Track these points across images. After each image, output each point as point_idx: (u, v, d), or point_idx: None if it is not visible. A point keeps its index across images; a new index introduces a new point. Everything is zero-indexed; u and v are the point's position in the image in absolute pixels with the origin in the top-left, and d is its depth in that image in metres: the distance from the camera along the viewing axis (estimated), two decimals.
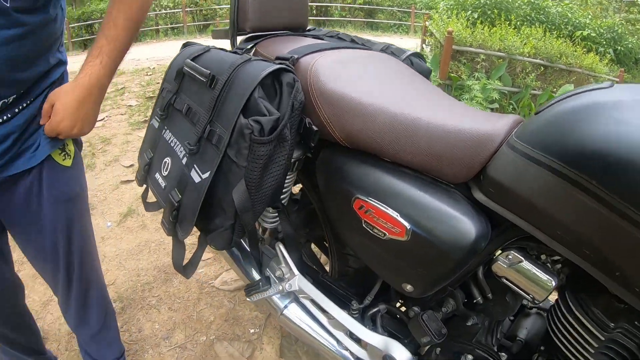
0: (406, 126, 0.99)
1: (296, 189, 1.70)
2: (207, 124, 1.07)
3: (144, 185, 1.42)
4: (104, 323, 1.56)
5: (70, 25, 15.96)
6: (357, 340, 1.29)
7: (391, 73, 1.25)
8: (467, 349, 1.07)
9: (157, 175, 1.25)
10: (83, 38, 16.32)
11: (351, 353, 1.32)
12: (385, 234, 1.02)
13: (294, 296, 1.41)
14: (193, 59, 1.19)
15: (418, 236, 0.96)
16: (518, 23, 9.61)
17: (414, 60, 1.43)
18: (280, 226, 1.35)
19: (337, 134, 1.09)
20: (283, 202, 1.33)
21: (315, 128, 1.10)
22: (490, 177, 0.89)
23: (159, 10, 17.28)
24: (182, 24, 16.66)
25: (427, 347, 1.20)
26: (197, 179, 1.07)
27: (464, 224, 0.91)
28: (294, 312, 1.39)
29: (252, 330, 2.07)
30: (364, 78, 1.17)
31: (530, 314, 1.18)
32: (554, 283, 0.87)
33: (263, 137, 0.97)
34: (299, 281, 1.30)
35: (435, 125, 0.97)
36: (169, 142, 1.20)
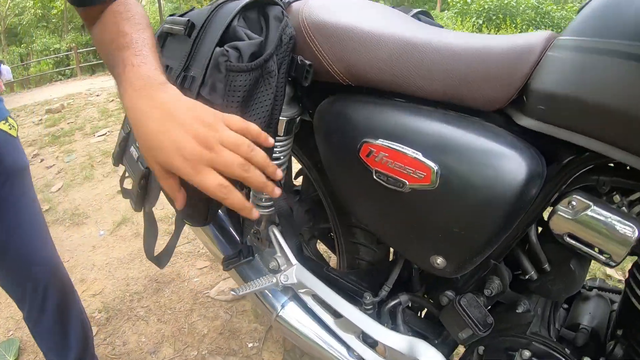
0: (422, 49, 0.78)
1: (297, 182, 1.53)
2: (182, 71, 0.88)
3: (120, 165, 1.22)
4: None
5: (79, 51, 16.16)
6: (373, 345, 1.02)
7: (395, 13, 1.05)
8: (522, 343, 0.80)
9: (132, 149, 1.09)
10: (90, 63, 16.55)
11: None
12: (404, 184, 0.77)
13: (292, 293, 1.15)
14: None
15: (448, 181, 0.73)
16: (524, 27, 9.62)
17: (422, 18, 1.20)
18: (275, 205, 1.10)
19: (336, 67, 0.88)
20: (281, 164, 1.10)
21: (308, 62, 0.89)
22: (538, 90, 0.68)
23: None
24: None
25: (467, 345, 0.93)
26: None
27: (510, 158, 0.69)
28: (292, 313, 1.12)
29: (250, 345, 1.80)
30: (365, 11, 0.97)
31: (589, 297, 0.93)
32: (636, 232, 0.63)
33: (241, 64, 0.79)
34: (297, 272, 1.04)
35: (458, 45, 0.76)
36: None
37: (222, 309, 2.01)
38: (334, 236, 1.31)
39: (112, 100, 7.21)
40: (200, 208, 0.88)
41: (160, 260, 1.10)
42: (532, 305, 0.86)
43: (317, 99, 0.97)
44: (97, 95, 8.28)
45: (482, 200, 0.71)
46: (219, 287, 2.13)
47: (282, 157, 1.10)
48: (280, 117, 0.98)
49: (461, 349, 0.99)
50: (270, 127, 0.88)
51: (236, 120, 0.68)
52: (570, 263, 0.78)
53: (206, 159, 0.62)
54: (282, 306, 1.13)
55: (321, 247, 1.77)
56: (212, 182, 0.62)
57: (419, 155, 0.75)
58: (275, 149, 1.05)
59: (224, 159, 0.63)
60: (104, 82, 10.22)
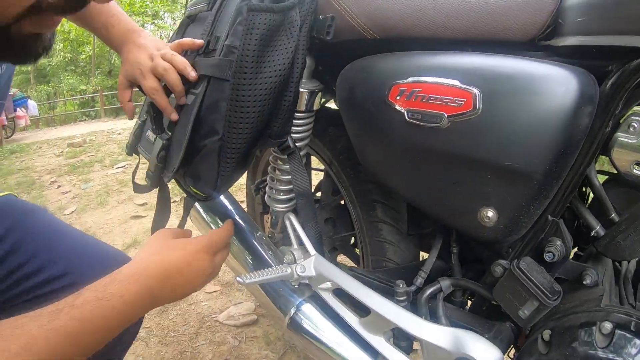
0: None
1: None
2: (207, 36, 0.90)
3: (134, 155, 1.20)
4: None
5: (104, 94, 16.63)
6: (407, 349, 0.85)
7: None
8: (599, 316, 0.62)
9: (148, 133, 1.06)
10: (115, 106, 17.04)
11: None
12: (442, 117, 0.69)
13: (309, 293, 0.99)
14: None
15: (492, 104, 0.65)
16: None
17: None
18: (292, 178, 0.97)
19: (359, 20, 0.82)
20: (299, 146, 0.99)
21: (330, 15, 0.85)
22: (575, 2, 0.63)
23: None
24: None
25: (528, 331, 0.76)
26: (190, 100, 0.87)
27: (558, 76, 0.61)
28: (308, 316, 0.96)
29: None
30: None
31: None
32: None
33: (262, 4, 0.79)
34: (316, 263, 0.89)
35: None
36: None
37: (231, 334, 1.83)
38: (358, 237, 1.17)
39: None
40: (210, 170, 0.86)
41: None
42: (600, 278, 0.71)
43: (339, 70, 0.90)
44: (119, 134, 8.37)
45: (532, 124, 0.63)
46: (229, 312, 1.95)
47: (302, 134, 0.99)
48: (302, 89, 0.94)
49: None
50: (290, 86, 0.88)
51: (168, 54, 0.86)
52: None
53: (149, 66, 0.87)
54: (297, 308, 0.97)
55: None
56: (148, 85, 0.87)
57: (457, 82, 0.67)
58: (295, 126, 0.98)
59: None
60: (127, 124, 10.35)
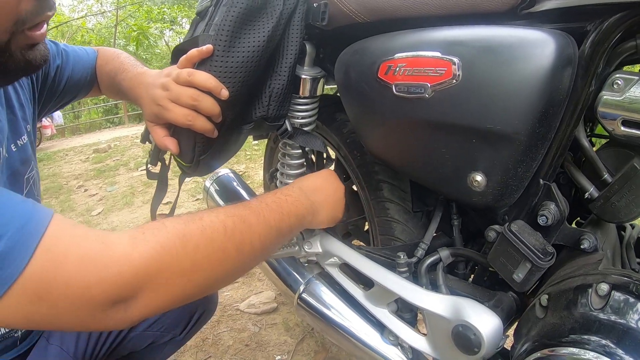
0: None
1: None
2: (206, 24, 0.93)
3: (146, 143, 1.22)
4: None
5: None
6: (411, 321, 0.88)
7: None
8: (596, 278, 0.64)
9: None
10: (138, 112, 17.26)
11: (401, 345, 0.91)
12: (425, 87, 0.72)
13: (316, 271, 1.03)
14: None
15: (471, 71, 0.67)
16: None
17: None
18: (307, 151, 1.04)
19: (350, 6, 0.86)
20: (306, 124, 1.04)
21: (323, 1, 0.88)
22: None
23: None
24: None
25: (528, 292, 0.78)
26: None
27: (534, 38, 0.63)
28: (316, 291, 1.00)
29: (278, 357, 1.65)
30: None
31: None
32: None
33: None
34: (322, 239, 0.92)
35: None
36: None
37: (251, 321, 1.88)
38: (367, 218, 1.19)
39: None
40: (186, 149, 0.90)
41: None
42: (600, 244, 0.72)
43: (337, 56, 0.94)
44: (145, 164, 8.49)
45: (511, 86, 0.64)
46: (250, 300, 2.00)
47: (308, 119, 1.03)
48: (304, 76, 0.98)
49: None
50: (278, 70, 0.91)
51: (183, 75, 0.80)
52: (634, 162, 0.66)
53: (165, 96, 0.81)
54: (305, 285, 1.01)
55: None
56: (176, 115, 0.80)
57: (437, 54, 0.70)
58: (299, 111, 1.02)
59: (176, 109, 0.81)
60: None
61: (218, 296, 1.14)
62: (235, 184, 1.33)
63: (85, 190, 4.72)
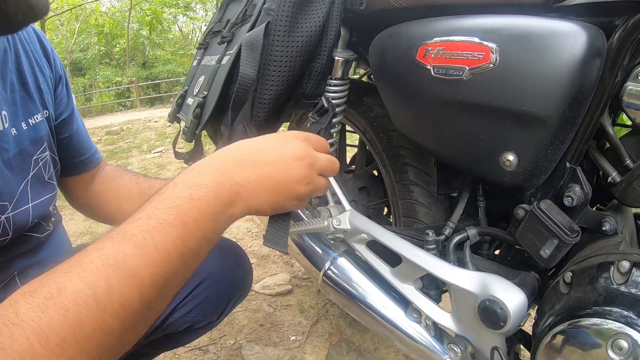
0: None
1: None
2: (246, 6, 1.00)
3: (175, 123, 1.30)
4: None
5: (139, 84, 17.03)
6: (436, 296, 0.90)
7: None
8: (617, 256, 0.67)
9: (189, 100, 1.15)
10: (150, 96, 17.37)
11: (425, 322, 0.93)
12: (464, 70, 0.76)
13: (343, 249, 1.05)
14: None
15: (508, 57, 0.71)
16: None
17: None
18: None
19: None
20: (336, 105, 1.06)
21: None
22: None
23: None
24: None
25: (549, 274, 0.81)
26: (225, 60, 0.97)
27: (566, 29, 0.67)
28: (342, 269, 1.02)
29: (292, 338, 1.69)
30: None
31: None
32: None
33: None
34: (351, 216, 0.95)
35: None
36: (205, 64, 1.12)
37: (266, 302, 1.91)
38: (390, 200, 1.22)
39: (169, 125, 7.43)
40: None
41: None
42: (620, 228, 0.74)
43: (370, 40, 0.98)
44: (155, 122, 8.58)
45: (545, 73, 0.68)
46: (265, 282, 2.03)
47: (338, 100, 1.05)
48: (337, 57, 1.02)
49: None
50: (322, 51, 0.95)
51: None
52: None
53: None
54: (331, 262, 1.03)
55: None
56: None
57: (476, 39, 0.74)
58: (331, 92, 1.05)
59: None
60: (162, 113, 10.58)
61: (252, 279, 1.16)
62: None
63: None
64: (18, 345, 0.39)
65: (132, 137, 6.80)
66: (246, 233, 2.63)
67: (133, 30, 22.38)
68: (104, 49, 23.20)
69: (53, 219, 0.84)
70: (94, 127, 9.20)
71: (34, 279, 0.44)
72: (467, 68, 0.75)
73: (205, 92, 0.99)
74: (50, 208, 0.81)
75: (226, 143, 0.91)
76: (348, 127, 1.56)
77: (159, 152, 5.31)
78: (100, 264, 0.43)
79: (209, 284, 1.01)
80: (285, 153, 0.60)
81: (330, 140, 1.14)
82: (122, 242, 0.45)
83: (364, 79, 1.49)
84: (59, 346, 0.40)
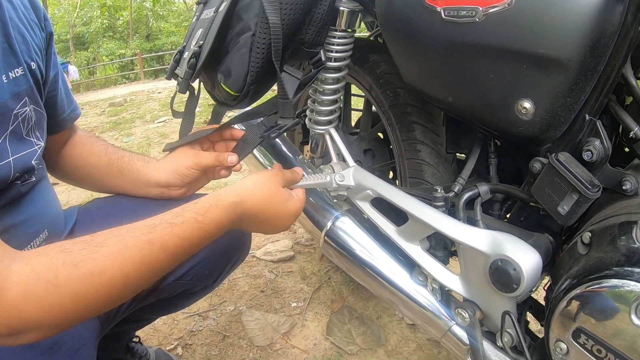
0: None
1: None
2: None
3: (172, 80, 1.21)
4: None
5: (143, 57, 16.91)
6: (444, 258, 0.86)
7: None
8: (638, 216, 0.62)
9: (186, 54, 1.06)
10: (154, 68, 17.27)
11: (433, 286, 0.89)
12: (477, 11, 0.69)
13: (346, 207, 1.00)
14: None
15: None
16: None
17: None
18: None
19: None
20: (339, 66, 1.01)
21: None
22: None
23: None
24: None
25: (563, 237, 0.76)
26: (222, 7, 0.91)
27: None
28: (344, 228, 0.98)
29: (293, 304, 1.66)
30: None
31: None
32: None
33: None
34: (355, 172, 0.90)
35: None
36: (203, 18, 1.08)
37: (267, 268, 1.88)
38: (396, 159, 1.17)
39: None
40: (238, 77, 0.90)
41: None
42: None
43: None
44: (159, 93, 8.49)
45: (565, 13, 0.62)
46: (266, 248, 2.00)
47: (342, 53, 1.00)
48: (342, 8, 0.97)
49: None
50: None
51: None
52: None
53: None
54: (334, 221, 0.99)
55: None
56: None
57: None
58: (335, 44, 1.01)
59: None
60: (167, 84, 10.47)
61: (251, 242, 1.12)
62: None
63: None
64: (54, 299, 0.53)
65: (136, 108, 6.73)
66: None
67: (136, 2, 22.10)
68: (107, 22, 22.92)
69: (36, 172, 0.80)
70: (98, 99, 9.14)
71: (74, 247, 0.57)
72: (481, 8, 0.68)
73: (202, 42, 0.93)
74: (33, 162, 0.77)
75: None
76: (354, 92, 1.52)
77: (163, 121, 5.26)
78: (139, 262, 0.59)
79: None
80: (281, 226, 0.82)
81: (334, 106, 1.09)
82: (160, 250, 0.62)
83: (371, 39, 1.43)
84: (85, 306, 0.56)
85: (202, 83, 1.06)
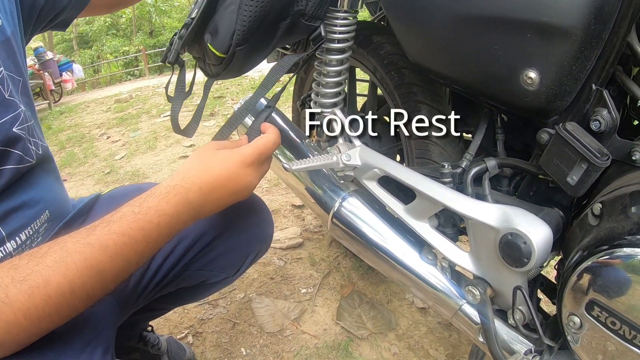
0: None
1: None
2: None
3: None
4: None
5: (147, 53, 16.91)
6: (453, 235, 0.85)
7: None
8: None
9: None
10: (158, 64, 17.30)
11: (443, 265, 0.88)
12: None
13: (353, 188, 1.00)
14: None
15: None
16: None
17: None
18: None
19: None
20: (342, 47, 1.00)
21: None
22: None
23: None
24: None
25: (573, 212, 0.75)
26: None
27: None
28: (352, 210, 0.97)
29: (303, 290, 1.66)
30: None
31: None
32: None
33: None
34: (361, 152, 0.89)
35: None
36: None
37: (276, 256, 1.88)
38: (403, 143, 1.16)
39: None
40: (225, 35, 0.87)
41: (188, 130, 1.04)
42: None
43: None
44: (164, 88, 8.50)
45: None
46: (275, 236, 1.99)
47: (345, 34, 0.99)
48: None
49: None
50: None
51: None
52: None
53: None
54: (341, 202, 0.98)
55: None
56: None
57: None
58: (338, 26, 1.00)
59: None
60: (172, 79, 10.51)
61: (273, 236, 1.11)
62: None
63: (108, 137, 4.76)
64: (6, 317, 0.53)
65: (142, 103, 6.75)
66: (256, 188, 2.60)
67: None
68: (110, 20, 22.94)
69: (32, 147, 0.79)
70: (103, 96, 9.17)
71: (21, 262, 0.56)
72: None
73: (194, 16, 0.90)
74: (16, 129, 0.75)
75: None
76: (359, 77, 1.51)
77: (169, 115, 5.25)
78: (81, 266, 0.57)
79: (227, 237, 0.98)
80: (242, 184, 0.75)
81: (338, 87, 1.08)
82: (100, 251, 0.59)
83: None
84: (38, 319, 0.55)
85: (196, 65, 1.04)
